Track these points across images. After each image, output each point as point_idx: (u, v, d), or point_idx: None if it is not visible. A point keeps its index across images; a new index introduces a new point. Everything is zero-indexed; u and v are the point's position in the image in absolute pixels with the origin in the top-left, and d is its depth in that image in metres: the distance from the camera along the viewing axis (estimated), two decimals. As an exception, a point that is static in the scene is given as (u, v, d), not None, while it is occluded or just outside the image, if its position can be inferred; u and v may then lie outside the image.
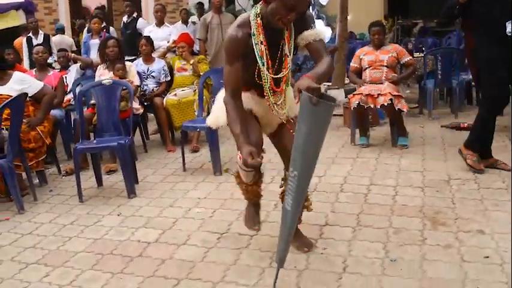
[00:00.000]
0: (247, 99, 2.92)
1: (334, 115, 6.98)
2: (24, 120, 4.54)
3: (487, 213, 3.49)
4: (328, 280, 2.77)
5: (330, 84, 8.61)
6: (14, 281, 3.02)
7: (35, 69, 5.81)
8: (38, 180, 4.87)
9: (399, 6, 12.42)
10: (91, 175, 4.87)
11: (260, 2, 2.72)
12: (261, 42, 2.73)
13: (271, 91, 2.82)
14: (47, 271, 3.11)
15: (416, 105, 7.11)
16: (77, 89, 5.69)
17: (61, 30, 8.91)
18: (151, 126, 6.88)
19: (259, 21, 2.72)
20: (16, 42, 8.32)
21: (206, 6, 10.56)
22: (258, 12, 2.73)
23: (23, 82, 4.70)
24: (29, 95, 4.67)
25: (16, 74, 4.80)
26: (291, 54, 2.81)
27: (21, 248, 3.47)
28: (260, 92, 2.90)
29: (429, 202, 3.76)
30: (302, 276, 2.83)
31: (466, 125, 5.72)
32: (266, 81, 2.79)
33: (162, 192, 4.43)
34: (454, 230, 3.28)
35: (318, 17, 9.93)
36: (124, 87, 5.03)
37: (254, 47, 2.73)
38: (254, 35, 2.72)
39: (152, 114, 6.43)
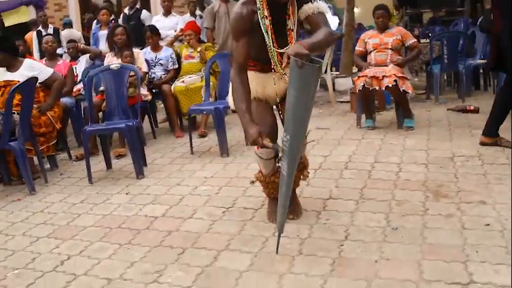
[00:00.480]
0: (252, 77, 2.98)
1: (342, 102, 7.07)
2: (34, 105, 4.64)
3: (490, 186, 3.52)
4: (329, 247, 2.82)
5: (337, 73, 8.66)
6: (24, 253, 3.11)
7: (44, 58, 5.91)
8: (49, 165, 4.96)
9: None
10: (101, 160, 4.97)
11: None
12: (266, 17, 2.80)
13: (279, 63, 2.87)
14: (56, 243, 3.19)
15: (424, 91, 7.12)
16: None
17: (69, 25, 9.02)
18: (161, 115, 6.96)
19: None
20: (27, 36, 8.45)
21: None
22: None
23: (33, 69, 4.80)
24: (39, 81, 4.76)
25: (27, 61, 4.91)
26: (295, 27, 2.86)
27: (32, 224, 3.56)
28: (266, 68, 2.97)
29: (432, 177, 3.80)
30: (304, 244, 2.88)
31: (472, 107, 5.74)
32: (273, 54, 2.85)
33: (170, 173, 4.51)
34: (456, 201, 3.31)
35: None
36: (132, 72, 5.11)
37: (260, 22, 2.80)
38: (260, 9, 2.79)
39: (162, 104, 6.52)
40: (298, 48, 2.37)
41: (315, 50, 2.53)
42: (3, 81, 4.63)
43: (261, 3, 2.79)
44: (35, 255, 3.05)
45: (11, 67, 4.76)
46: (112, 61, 5.59)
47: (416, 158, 4.27)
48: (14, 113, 4.34)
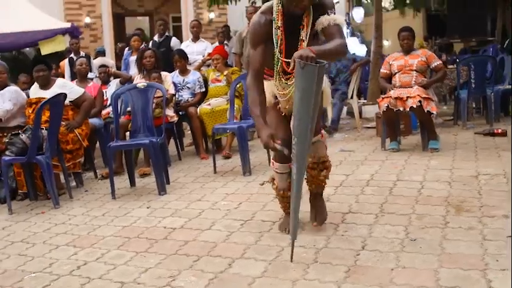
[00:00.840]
0: (267, 86, 3.02)
1: (368, 127, 7.03)
2: (63, 122, 4.77)
3: (514, 202, 3.43)
4: (345, 256, 2.78)
5: (365, 101, 8.65)
6: (43, 259, 3.16)
7: (76, 79, 6.09)
8: (75, 183, 5.06)
9: (436, 27, 12.45)
10: (125, 178, 5.04)
11: None
12: (279, 27, 2.86)
13: (281, 73, 2.93)
14: (75, 251, 3.24)
15: (452, 117, 7.04)
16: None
17: (102, 53, 9.29)
18: (187, 140, 7.04)
19: (280, 7, 2.87)
20: (61, 64, 8.73)
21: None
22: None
23: (65, 87, 4.96)
24: (70, 100, 4.92)
25: (59, 80, 5.13)
26: (307, 39, 2.89)
27: (53, 234, 3.63)
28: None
29: (455, 193, 3.72)
30: (320, 253, 2.85)
31: (499, 130, 5.64)
32: (277, 64, 2.91)
33: (192, 190, 4.54)
34: (478, 215, 3.24)
35: (353, 35, 10.08)
36: (158, 93, 5.21)
37: (273, 31, 2.86)
38: (275, 19, 2.86)
39: (189, 131, 6.59)
40: (304, 51, 2.46)
41: (323, 56, 2.57)
42: (36, 98, 4.79)
43: (277, 13, 2.87)
44: (53, 261, 3.10)
45: (45, 85, 4.93)
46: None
47: (440, 177, 4.19)
48: (43, 128, 4.46)
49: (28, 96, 5.04)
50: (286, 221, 3.19)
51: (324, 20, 2.84)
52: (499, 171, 4.20)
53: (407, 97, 5.04)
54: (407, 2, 15.34)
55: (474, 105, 7.74)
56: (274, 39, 2.88)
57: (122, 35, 12.41)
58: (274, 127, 2.91)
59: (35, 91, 4.97)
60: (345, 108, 8.71)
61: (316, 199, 3.27)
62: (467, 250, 2.71)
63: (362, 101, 8.64)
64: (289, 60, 2.73)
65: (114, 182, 4.58)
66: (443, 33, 11.04)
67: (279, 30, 2.87)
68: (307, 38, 2.88)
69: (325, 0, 2.91)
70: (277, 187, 3.21)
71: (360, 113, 7.88)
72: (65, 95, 4.60)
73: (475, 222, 3.11)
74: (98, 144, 5.98)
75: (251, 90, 2.90)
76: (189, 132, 6.63)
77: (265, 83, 3.03)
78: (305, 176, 2.96)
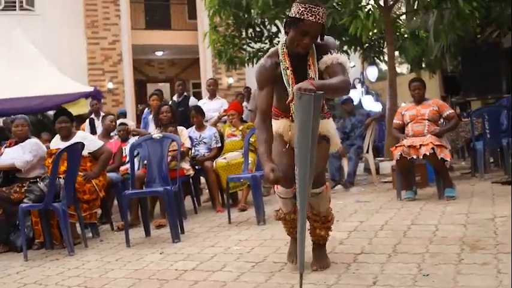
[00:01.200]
0: (281, 124, 3.13)
1: (385, 182, 7.01)
2: (80, 173, 4.88)
3: (531, 241, 3.36)
4: (356, 290, 2.74)
5: (382, 158, 8.65)
6: (54, 297, 3.16)
7: (99, 134, 6.25)
8: (91, 234, 5.10)
9: (453, 87, 12.56)
10: (141, 230, 5.06)
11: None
12: (287, 68, 2.97)
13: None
14: (86, 291, 3.24)
15: (469, 170, 7.00)
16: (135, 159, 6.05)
17: (123, 115, 9.56)
18: (204, 196, 7.08)
19: (285, 50, 3.01)
20: (82, 126, 8.99)
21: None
22: (284, 42, 3.02)
23: (85, 139, 5.08)
24: (89, 151, 5.05)
25: (80, 133, 5.30)
26: (316, 76, 2.99)
27: (66, 277, 3.63)
28: (288, 117, 3.11)
29: (470, 234, 3.66)
30: (330, 288, 2.81)
31: (517, 179, 5.58)
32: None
33: (206, 238, 4.53)
34: (494, 252, 3.17)
35: (368, 93, 10.23)
36: (174, 146, 5.32)
37: (282, 72, 2.97)
38: (282, 61, 2.98)
39: (206, 189, 6.65)
40: (303, 83, 2.56)
41: (324, 88, 2.65)
42: (56, 149, 4.92)
43: (283, 55, 2.99)
44: (64, 300, 3.10)
45: (66, 137, 5.09)
46: (157, 136, 5.85)
47: (455, 220, 4.14)
48: (60, 177, 4.57)
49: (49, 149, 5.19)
50: (293, 248, 3.21)
51: (328, 59, 2.94)
52: (516, 213, 4.13)
53: (421, 145, 5.06)
54: (423, 65, 15.61)
55: (492, 160, 7.69)
56: (284, 79, 2.98)
57: (143, 100, 12.77)
58: (279, 155, 2.97)
59: (56, 142, 5.13)
60: (362, 165, 8.75)
61: (318, 250, 3.26)
62: (481, 283, 2.66)
63: (379, 158, 8.65)
64: None
65: (130, 233, 4.61)
66: (458, 91, 11.13)
67: (288, 70, 2.97)
68: (316, 76, 2.96)
69: (327, 40, 3.03)
70: (282, 212, 3.25)
71: (378, 169, 7.89)
72: (82, 145, 4.73)
73: (490, 258, 3.04)
74: (115, 201, 6.06)
75: (258, 129, 3.01)
76: (207, 190, 6.69)
77: (274, 121, 3.12)
78: (308, 228, 3.06)
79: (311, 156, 2.58)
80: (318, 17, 2.79)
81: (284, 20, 3.00)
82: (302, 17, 2.79)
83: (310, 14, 2.78)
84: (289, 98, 2.62)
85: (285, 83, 2.98)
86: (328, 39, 3.05)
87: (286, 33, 2.94)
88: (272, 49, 3.14)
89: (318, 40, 2.96)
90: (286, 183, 3.03)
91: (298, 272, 2.71)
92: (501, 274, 2.75)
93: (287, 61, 2.99)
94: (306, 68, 2.99)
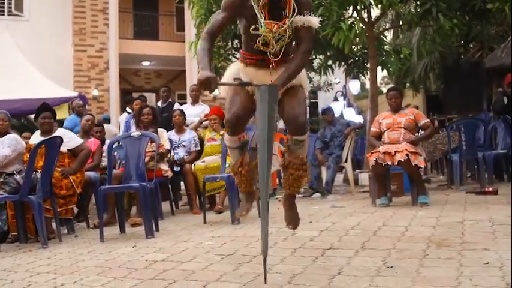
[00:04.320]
0: (250, 71, 3.01)
1: (363, 192, 7.08)
2: (58, 168, 4.89)
3: (496, 240, 3.43)
4: (320, 279, 2.79)
5: (361, 170, 8.75)
6: (22, 282, 3.18)
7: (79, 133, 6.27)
8: (66, 230, 5.09)
9: (436, 105, 12.81)
10: (116, 228, 5.06)
11: None
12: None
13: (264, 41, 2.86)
14: (55, 277, 3.25)
15: (445, 182, 7.10)
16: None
17: (107, 121, 9.56)
18: (183, 201, 7.10)
19: None
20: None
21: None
22: None
23: (64, 136, 5.10)
24: (68, 148, 5.08)
25: (60, 129, 5.30)
26: (291, 15, 2.82)
27: (37, 265, 3.64)
28: (260, 62, 2.97)
29: (438, 233, 3.73)
30: (295, 277, 2.85)
31: (490, 189, 5.68)
32: (264, 29, 2.81)
33: (180, 234, 4.56)
34: (458, 249, 3.24)
35: (349, 106, 10.37)
36: (152, 147, 5.36)
37: (253, 5, 2.81)
38: None
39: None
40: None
41: (287, 80, 2.77)
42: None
43: None
44: (31, 284, 3.10)
45: (47, 132, 5.10)
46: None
47: (425, 222, 4.21)
48: (37, 171, 4.58)
49: (28, 144, 5.20)
50: (244, 203, 3.31)
51: (298, 20, 2.81)
52: (485, 217, 4.21)
53: (396, 151, 5.15)
54: (407, 84, 15.87)
55: (469, 174, 7.81)
56: (256, 11, 2.79)
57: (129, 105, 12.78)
58: (232, 96, 2.98)
59: (35, 137, 5.14)
60: (341, 176, 8.84)
61: (291, 202, 3.21)
62: (442, 274, 2.72)
63: (359, 170, 8.75)
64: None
65: (105, 230, 4.62)
66: (441, 110, 11.35)
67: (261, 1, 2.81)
68: (291, 15, 2.82)
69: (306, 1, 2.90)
70: (234, 169, 3.24)
71: (357, 180, 7.98)
72: (61, 139, 4.76)
73: (454, 254, 3.11)
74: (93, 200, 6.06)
75: (203, 41, 2.88)
76: (186, 196, 6.71)
77: (234, 64, 3.15)
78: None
79: (270, 141, 2.65)
80: None
81: None
82: None
83: None
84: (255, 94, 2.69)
85: (257, 13, 2.79)
86: None
87: None
88: None
89: None
90: (235, 129, 3.03)
91: (262, 256, 2.74)
92: (462, 267, 2.81)
93: None
94: (281, 4, 2.84)
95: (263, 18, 2.79)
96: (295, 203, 3.25)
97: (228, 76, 3.13)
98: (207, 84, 2.63)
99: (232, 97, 3.00)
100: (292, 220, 3.21)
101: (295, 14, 2.82)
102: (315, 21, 2.87)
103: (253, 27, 2.84)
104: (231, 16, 2.95)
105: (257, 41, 2.85)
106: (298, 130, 2.99)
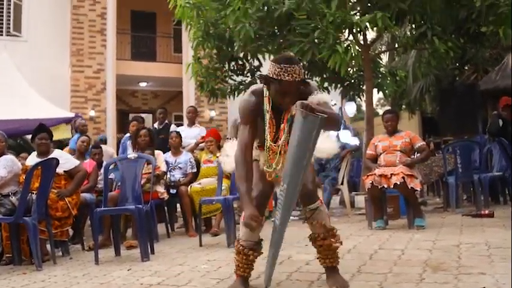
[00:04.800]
0: (260, 155, 3.17)
1: (359, 214, 7.07)
2: (54, 190, 4.88)
3: (493, 264, 3.42)
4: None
5: (357, 192, 8.74)
6: (15, 305, 3.14)
7: (75, 155, 6.26)
8: (61, 252, 5.06)
9: (431, 128, 12.88)
10: (112, 250, 5.03)
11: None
12: (267, 111, 3.02)
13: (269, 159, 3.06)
14: (49, 300, 3.22)
15: (442, 205, 7.10)
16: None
17: (103, 141, 9.57)
18: (179, 223, 7.08)
19: (267, 94, 3.01)
20: (65, 150, 8.96)
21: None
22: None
23: (61, 157, 5.09)
24: (64, 169, 5.08)
25: (57, 151, 5.31)
26: (285, 133, 2.99)
27: (31, 287, 3.60)
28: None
29: (434, 257, 3.73)
30: (291, 301, 2.84)
31: (487, 211, 5.69)
32: (267, 148, 3.05)
33: (175, 257, 4.54)
34: (455, 273, 3.23)
35: (345, 128, 10.37)
36: (149, 169, 5.37)
37: (264, 112, 3.02)
38: (265, 104, 3.02)
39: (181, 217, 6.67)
40: (306, 103, 2.60)
41: (325, 113, 2.71)
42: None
43: (266, 98, 3.01)
44: (25, 308, 3.08)
45: (44, 154, 5.10)
46: (133, 160, 5.88)
47: (422, 246, 4.21)
48: (33, 193, 4.57)
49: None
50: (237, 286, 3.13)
51: (313, 100, 2.87)
52: (482, 241, 4.21)
53: (392, 174, 5.16)
54: (404, 106, 15.97)
55: (465, 196, 7.82)
56: (265, 119, 3.00)
57: (125, 130, 12.80)
58: (255, 181, 3.00)
59: (32, 158, 5.13)
60: (337, 198, 8.83)
61: (334, 272, 3.16)
62: (438, 297, 2.71)
63: (355, 192, 8.74)
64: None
65: (100, 253, 4.60)
66: (437, 132, 11.43)
67: (267, 114, 3.00)
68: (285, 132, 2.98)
69: (310, 84, 3.02)
70: (243, 245, 3.12)
71: (353, 203, 7.97)
72: (57, 161, 4.75)
73: (450, 278, 3.10)
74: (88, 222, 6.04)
75: (239, 165, 2.94)
76: (181, 217, 6.70)
77: (256, 151, 3.17)
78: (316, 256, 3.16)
79: (302, 176, 2.64)
80: (294, 75, 2.81)
81: (261, 76, 3.01)
82: (279, 78, 2.82)
83: (286, 74, 2.80)
84: (293, 112, 2.69)
85: (265, 123, 3.00)
86: (310, 82, 3.05)
87: (266, 84, 2.96)
88: (256, 86, 3.13)
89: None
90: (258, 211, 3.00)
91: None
92: (459, 291, 2.80)
93: (268, 106, 3.00)
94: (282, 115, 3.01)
95: (269, 130, 2.99)
96: (337, 271, 3.16)
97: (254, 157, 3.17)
98: (255, 222, 2.74)
99: (256, 180, 3.04)
100: (337, 283, 3.10)
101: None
102: (327, 97, 2.97)
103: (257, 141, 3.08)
104: (254, 123, 3.02)
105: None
106: (308, 198, 3.02)
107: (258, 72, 9.48)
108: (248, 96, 3.06)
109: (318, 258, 3.17)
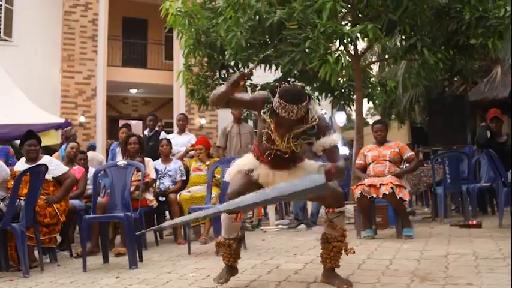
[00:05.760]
0: (260, 169, 3.30)
1: (348, 223, 7.07)
2: (42, 196, 4.86)
3: (480, 274, 3.45)
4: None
5: (347, 201, 8.76)
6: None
7: (63, 161, 6.23)
8: (48, 259, 5.03)
9: (421, 138, 12.94)
10: (100, 257, 5.01)
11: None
12: (271, 122, 3.11)
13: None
14: (35, 308, 3.20)
15: (430, 215, 7.14)
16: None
17: (92, 148, 9.53)
18: (168, 231, 7.05)
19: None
20: (53, 156, 8.92)
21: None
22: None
23: (50, 164, 5.07)
24: (53, 176, 5.05)
25: (46, 157, 5.28)
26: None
27: (17, 296, 3.58)
28: (270, 164, 3.29)
29: (422, 267, 3.75)
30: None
31: (474, 222, 5.73)
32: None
33: (164, 265, 4.52)
34: (442, 283, 3.25)
35: (335, 137, 10.40)
36: (138, 175, 5.36)
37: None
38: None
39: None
40: (338, 171, 2.96)
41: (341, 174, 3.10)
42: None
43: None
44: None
45: (32, 160, 5.08)
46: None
47: (410, 255, 4.23)
48: (21, 199, 4.54)
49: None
50: (224, 273, 3.44)
51: (325, 142, 3.10)
52: (469, 251, 4.24)
53: (381, 184, 5.19)
54: (393, 116, 16.05)
55: (453, 207, 7.87)
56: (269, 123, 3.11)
57: (114, 136, 12.77)
58: (236, 177, 3.08)
59: (21, 165, 5.11)
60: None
61: (335, 273, 3.38)
62: (425, 308, 2.73)
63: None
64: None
65: (88, 260, 4.57)
66: (427, 141, 11.49)
67: (272, 126, 3.11)
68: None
69: (320, 118, 3.11)
70: (224, 237, 3.43)
71: (342, 211, 7.98)
72: (46, 167, 4.73)
73: (437, 288, 3.13)
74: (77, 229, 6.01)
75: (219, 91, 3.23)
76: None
77: (247, 156, 3.37)
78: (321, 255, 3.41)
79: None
80: (291, 114, 2.93)
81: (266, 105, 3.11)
82: (277, 111, 2.97)
83: (284, 111, 2.93)
84: (319, 170, 2.89)
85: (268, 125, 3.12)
86: (320, 116, 3.13)
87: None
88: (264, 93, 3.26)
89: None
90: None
91: None
92: (446, 302, 2.82)
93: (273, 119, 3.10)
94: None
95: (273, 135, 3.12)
96: (336, 272, 3.38)
97: (240, 165, 3.34)
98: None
99: (237, 176, 3.27)
100: (342, 282, 3.29)
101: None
102: (338, 138, 3.16)
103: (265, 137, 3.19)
104: (253, 101, 3.24)
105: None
106: (338, 201, 3.28)
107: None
108: (263, 92, 3.25)
109: (323, 258, 3.39)
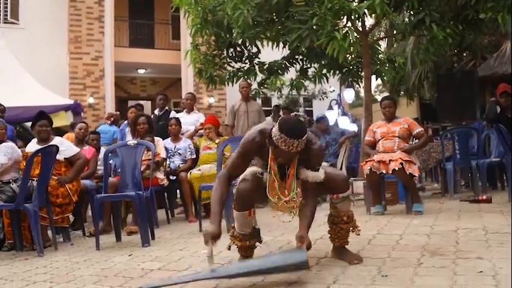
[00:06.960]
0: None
1: (357, 200, 7.11)
2: (54, 177, 4.91)
3: (490, 248, 3.46)
4: (316, 287, 2.81)
5: (356, 178, 8.77)
6: (18, 290, 3.18)
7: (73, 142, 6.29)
8: (62, 238, 5.10)
9: (430, 114, 12.91)
10: (113, 236, 5.08)
11: None
12: (271, 159, 3.13)
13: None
14: (51, 285, 3.27)
15: (440, 190, 7.15)
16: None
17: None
18: (179, 209, 7.12)
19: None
20: (64, 136, 8.99)
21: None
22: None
23: (61, 144, 5.12)
24: (65, 157, 5.10)
25: (57, 138, 5.32)
26: (294, 184, 3.16)
27: (33, 273, 3.65)
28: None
29: (432, 242, 3.77)
30: (290, 286, 2.89)
31: (484, 197, 5.73)
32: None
33: (176, 243, 4.58)
34: (452, 257, 3.27)
35: (344, 114, 10.44)
36: (148, 155, 5.39)
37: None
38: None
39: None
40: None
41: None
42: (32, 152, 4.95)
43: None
44: (28, 292, 3.12)
45: (44, 140, 5.12)
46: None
47: (420, 231, 4.25)
48: (33, 180, 4.60)
49: (25, 153, 5.21)
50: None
51: (309, 176, 3.12)
52: (479, 225, 4.26)
53: (390, 160, 5.19)
54: (402, 92, 15.95)
55: (463, 182, 7.87)
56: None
57: (123, 117, 12.81)
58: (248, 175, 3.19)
59: (32, 146, 5.16)
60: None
61: (345, 249, 3.48)
62: (436, 282, 2.75)
63: (354, 178, 8.78)
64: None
65: (101, 239, 4.63)
66: (436, 118, 11.46)
67: (272, 163, 3.13)
68: (294, 183, 3.16)
69: (316, 149, 3.15)
70: (239, 233, 3.46)
71: (351, 188, 8.00)
72: (57, 148, 4.77)
73: (448, 263, 3.14)
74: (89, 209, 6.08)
75: (219, 186, 3.21)
76: (181, 203, 6.74)
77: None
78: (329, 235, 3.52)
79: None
80: (291, 147, 2.93)
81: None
82: (277, 144, 2.97)
83: (284, 144, 2.93)
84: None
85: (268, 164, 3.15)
86: (317, 149, 3.17)
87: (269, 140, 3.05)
88: (268, 123, 3.30)
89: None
90: (244, 205, 3.27)
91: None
92: (456, 276, 2.84)
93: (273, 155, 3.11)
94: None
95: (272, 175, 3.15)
96: (346, 248, 3.47)
97: (248, 172, 3.26)
98: (210, 239, 3.04)
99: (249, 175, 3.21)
100: (353, 257, 3.36)
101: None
102: (322, 176, 3.15)
103: (260, 171, 3.20)
104: (247, 161, 3.25)
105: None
106: (342, 186, 3.31)
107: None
108: (254, 134, 3.19)
109: (331, 237, 3.49)
